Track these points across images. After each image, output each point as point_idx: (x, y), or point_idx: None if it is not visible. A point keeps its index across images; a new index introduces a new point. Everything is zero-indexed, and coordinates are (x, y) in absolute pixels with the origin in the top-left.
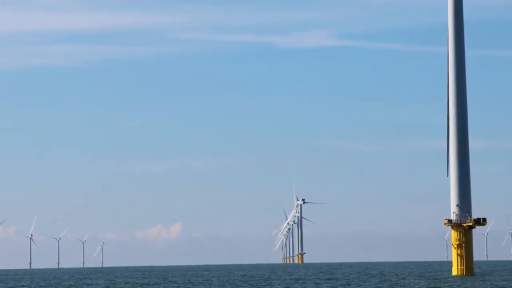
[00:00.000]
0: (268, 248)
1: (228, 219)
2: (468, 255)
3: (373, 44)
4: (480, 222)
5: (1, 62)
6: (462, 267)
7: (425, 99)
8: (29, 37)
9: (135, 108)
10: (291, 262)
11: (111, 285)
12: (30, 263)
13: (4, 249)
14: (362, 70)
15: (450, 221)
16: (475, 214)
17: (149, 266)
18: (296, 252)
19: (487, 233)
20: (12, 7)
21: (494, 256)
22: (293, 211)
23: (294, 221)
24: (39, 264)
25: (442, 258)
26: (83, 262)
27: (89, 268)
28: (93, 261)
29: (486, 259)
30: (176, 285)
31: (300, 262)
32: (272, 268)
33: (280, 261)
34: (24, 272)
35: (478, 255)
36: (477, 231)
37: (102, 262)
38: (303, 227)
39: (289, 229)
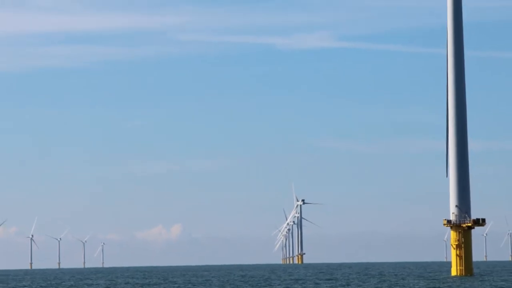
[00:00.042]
0: (268, 249)
1: (228, 219)
2: (467, 255)
3: (373, 46)
4: (479, 222)
5: (2, 63)
6: (461, 268)
7: (424, 100)
8: (30, 38)
9: (135, 109)
10: (291, 262)
11: (112, 285)
12: (31, 263)
13: (5, 250)
14: (362, 72)
15: (449, 221)
16: (474, 215)
17: (150, 267)
18: (296, 253)
19: (486, 234)
20: (12, 9)
21: (493, 257)
22: (293, 212)
23: (294, 222)
24: (39, 264)
25: (441, 258)
26: (84, 263)
27: (89, 269)
28: (94, 262)
29: (485, 260)
30: (176, 285)
31: (300, 262)
32: (272, 269)
33: (280, 262)
34: (25, 272)
35: (477, 255)
36: (476, 231)
37: (103, 263)
38: (303, 227)
39: (289, 229)
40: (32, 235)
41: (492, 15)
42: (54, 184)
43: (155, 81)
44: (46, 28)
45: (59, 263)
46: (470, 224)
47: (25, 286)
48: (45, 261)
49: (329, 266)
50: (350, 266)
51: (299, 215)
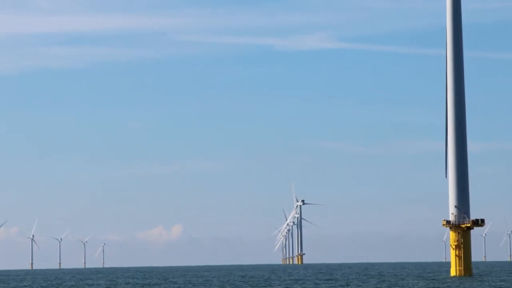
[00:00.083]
0: (268, 249)
1: (228, 220)
2: (467, 255)
3: (372, 47)
4: (478, 223)
5: (2, 64)
6: (460, 268)
7: (424, 101)
8: (29, 38)
9: (135, 110)
10: (291, 262)
11: (112, 286)
12: (32, 263)
13: (6, 250)
14: (361, 73)
15: (448, 222)
16: (473, 215)
17: (150, 267)
18: (295, 253)
19: (485, 234)
20: (12, 10)
21: (492, 257)
22: (293, 212)
23: (293, 222)
24: (40, 264)
25: (440, 258)
26: (84, 263)
27: (90, 269)
28: (94, 262)
29: (484, 260)
30: (176, 285)
31: (299, 262)
32: (272, 269)
33: (280, 262)
34: (25, 272)
35: (476, 256)
36: (475, 232)
37: (103, 263)
38: (302, 228)
39: (288, 230)
40: (33, 236)
41: (491, 16)
42: (55, 184)
43: (154, 82)
44: (46, 29)
45: (59, 264)
46: (469, 225)
47: (26, 286)
48: (46, 262)
49: (328, 266)
50: (349, 266)
51: (299, 215)
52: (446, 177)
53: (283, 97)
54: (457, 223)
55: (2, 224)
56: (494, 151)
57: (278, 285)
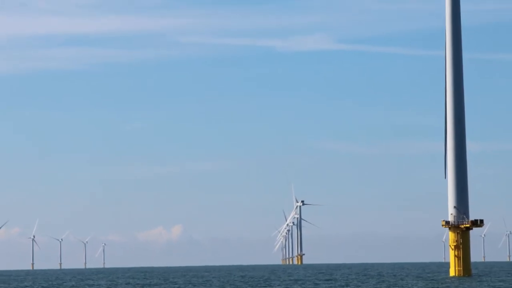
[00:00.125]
0: (267, 249)
1: (228, 220)
2: (466, 256)
3: (372, 48)
4: (477, 223)
5: (2, 65)
6: (459, 268)
7: (423, 102)
8: (30, 40)
9: (135, 111)
10: (291, 263)
11: (113, 286)
12: (33, 264)
13: (7, 250)
14: (361, 74)
15: (447, 222)
16: (472, 216)
17: (150, 267)
18: (295, 253)
19: (484, 235)
20: (13, 11)
21: (491, 257)
22: (293, 213)
23: (293, 223)
24: (41, 265)
25: (439, 259)
26: (85, 263)
27: (90, 269)
28: (95, 262)
29: (483, 260)
30: (176, 285)
31: (299, 263)
32: (271, 269)
33: (280, 262)
34: (26, 273)
35: (475, 256)
36: (474, 232)
37: (104, 263)
38: (302, 228)
39: (288, 230)
40: (34, 236)
41: (489, 17)
42: (55, 185)
43: (155, 83)
44: (47, 30)
45: (60, 264)
46: (468, 225)
47: (26, 286)
48: (47, 262)
49: (328, 266)
50: (349, 266)
51: (298, 216)
52: (445, 177)
53: (283, 98)
54: (456, 223)
55: (3, 225)
56: (493, 152)
57: (278, 285)
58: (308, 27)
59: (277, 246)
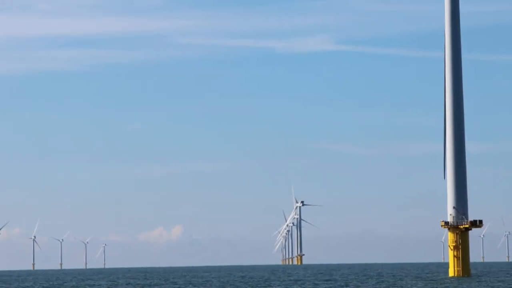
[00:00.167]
0: (267, 250)
1: (228, 221)
2: (465, 256)
3: (372, 49)
4: (477, 224)
5: (3, 67)
6: (458, 268)
7: (423, 103)
8: (31, 41)
9: (136, 112)
10: (290, 263)
11: (113, 286)
12: (34, 264)
13: (8, 251)
14: (361, 75)
15: (447, 223)
16: (471, 216)
17: (151, 267)
18: (295, 254)
19: (483, 235)
20: (13, 13)
21: (490, 258)
22: (292, 213)
23: (293, 223)
24: (42, 265)
25: (439, 259)
26: (86, 263)
27: (91, 269)
28: (96, 262)
29: (482, 261)
30: (177, 286)
31: (299, 263)
32: (271, 269)
33: (280, 262)
34: (27, 273)
35: (474, 256)
36: (473, 233)
37: (104, 263)
38: (302, 229)
39: (288, 231)
40: (35, 236)
41: (488, 19)
42: (56, 186)
43: (155, 85)
44: (47, 31)
45: (61, 264)
46: (467, 226)
47: (27, 286)
48: (48, 262)
49: (328, 267)
50: (349, 267)
51: (298, 216)
52: (444, 178)
53: (284, 99)
54: (455, 224)
55: (4, 225)
56: (492, 153)
57: (278, 285)
58: (308, 29)
59: (277, 247)
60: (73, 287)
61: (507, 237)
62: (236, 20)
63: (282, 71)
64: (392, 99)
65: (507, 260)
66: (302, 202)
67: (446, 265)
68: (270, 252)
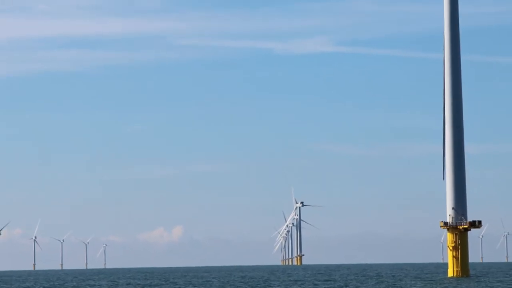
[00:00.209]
0: (267, 250)
1: (228, 221)
2: (464, 257)
3: (371, 51)
4: (476, 224)
5: (3, 67)
6: (457, 269)
7: (422, 104)
8: (31, 42)
9: (136, 113)
10: (290, 263)
11: (114, 286)
12: (34, 264)
13: (9, 251)
14: (361, 76)
15: (446, 223)
16: (470, 217)
17: (151, 268)
18: (295, 254)
19: (482, 236)
20: (13, 14)
21: (489, 258)
22: (292, 214)
23: (293, 224)
24: (43, 265)
25: (438, 260)
26: (86, 264)
27: (92, 270)
28: (96, 263)
29: (481, 261)
30: (177, 286)
31: (298, 263)
32: (271, 270)
33: (279, 263)
34: (28, 273)
35: (473, 257)
36: (472, 233)
37: (105, 264)
38: (301, 229)
39: (288, 231)
40: (36, 237)
41: (488, 20)
42: (57, 186)
43: (155, 86)
44: (47, 32)
45: (62, 264)
46: (466, 226)
47: (28, 286)
48: (48, 262)
49: (327, 267)
50: (348, 267)
51: (298, 217)
52: (443, 179)
53: (283, 100)
54: (454, 224)
55: (5, 226)
56: (491, 154)
57: (278, 285)
58: (307, 30)
59: (277, 247)
60: (73, 287)
61: (506, 237)
62: (235, 22)
63: (281, 73)
64: (392, 100)
65: (506, 261)
66: (301, 202)
67: (445, 266)
68: (270, 252)
